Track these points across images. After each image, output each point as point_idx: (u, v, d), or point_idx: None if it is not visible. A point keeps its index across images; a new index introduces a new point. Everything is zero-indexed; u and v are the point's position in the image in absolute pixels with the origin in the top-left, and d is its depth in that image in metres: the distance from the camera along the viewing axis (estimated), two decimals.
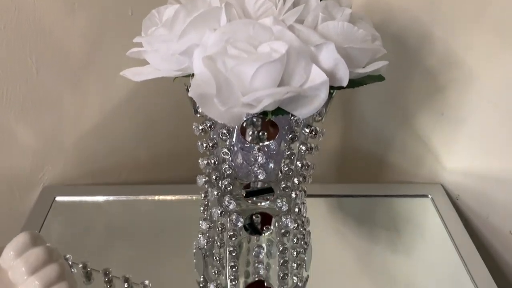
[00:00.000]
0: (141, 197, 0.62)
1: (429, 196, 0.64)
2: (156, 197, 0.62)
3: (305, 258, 0.49)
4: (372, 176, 0.72)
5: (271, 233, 0.46)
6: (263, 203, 0.43)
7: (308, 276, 0.53)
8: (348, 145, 0.73)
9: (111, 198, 0.61)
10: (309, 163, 0.45)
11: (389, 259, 0.57)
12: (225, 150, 0.39)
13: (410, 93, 0.63)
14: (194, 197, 0.61)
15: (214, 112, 0.30)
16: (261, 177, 0.39)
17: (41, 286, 0.37)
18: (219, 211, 0.43)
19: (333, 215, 0.62)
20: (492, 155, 0.59)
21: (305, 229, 0.47)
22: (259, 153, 0.38)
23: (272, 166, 0.41)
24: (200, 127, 0.40)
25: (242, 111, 0.30)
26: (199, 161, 0.45)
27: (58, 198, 0.61)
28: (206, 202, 0.48)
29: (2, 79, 0.53)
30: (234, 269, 0.46)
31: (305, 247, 0.49)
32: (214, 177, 0.42)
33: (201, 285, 0.51)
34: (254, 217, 0.45)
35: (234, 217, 0.42)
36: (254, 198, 0.43)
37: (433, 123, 0.63)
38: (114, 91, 0.61)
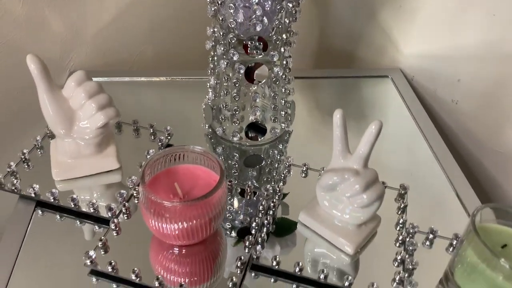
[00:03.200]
0: (154, 78, 0.74)
1: (389, 76, 0.78)
2: (166, 78, 0.75)
3: (290, 113, 0.63)
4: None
5: (264, 82, 0.59)
6: (259, 56, 0.56)
7: (292, 130, 0.67)
8: (324, 43, 0.86)
9: (132, 79, 0.73)
10: (294, 30, 0.57)
11: (359, 127, 0.70)
12: (231, 4, 0.51)
13: None
14: (201, 77, 0.74)
15: None
16: (258, 28, 0.52)
17: (96, 108, 0.50)
18: (225, 63, 0.56)
19: (310, 93, 0.76)
20: (440, 37, 0.73)
21: (289, 83, 0.60)
22: (258, 6, 0.50)
23: (267, 22, 0.53)
24: None
25: None
26: (207, 28, 0.57)
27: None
28: (212, 66, 0.60)
29: None
30: (237, 112, 0.59)
31: (290, 102, 0.62)
32: (221, 33, 0.54)
33: (209, 136, 0.65)
34: (249, 65, 0.57)
35: (237, 65, 0.56)
36: (254, 52, 0.56)
37: (393, 16, 0.76)
38: None
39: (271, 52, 0.55)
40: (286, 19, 0.54)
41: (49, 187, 0.53)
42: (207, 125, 0.65)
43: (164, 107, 0.70)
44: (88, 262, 0.45)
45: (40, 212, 0.53)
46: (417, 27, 0.74)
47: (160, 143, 0.60)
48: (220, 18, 0.53)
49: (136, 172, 0.56)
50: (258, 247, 0.47)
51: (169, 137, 0.61)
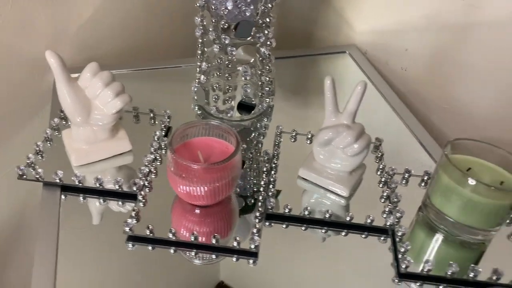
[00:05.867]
0: (131, 70, 0.79)
1: (347, 52, 0.88)
2: (143, 68, 0.80)
3: (274, 89, 0.72)
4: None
5: (253, 61, 0.67)
6: (248, 38, 0.64)
7: (273, 105, 0.75)
8: (283, 26, 0.94)
9: (120, 71, 0.78)
10: (271, 14, 0.65)
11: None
12: None
13: None
14: (183, 65, 0.80)
15: None
16: (248, 13, 0.60)
17: (113, 95, 0.56)
18: (218, 47, 0.63)
19: (278, 72, 0.85)
20: (387, 13, 0.84)
21: (271, 62, 0.69)
22: None
23: (252, 8, 0.61)
24: None
25: None
26: (195, 18, 0.64)
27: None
28: (200, 52, 0.67)
29: None
30: (229, 91, 0.67)
31: (272, 79, 0.71)
32: (213, 20, 0.61)
33: (201, 116, 0.71)
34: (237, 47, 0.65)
35: (229, 48, 0.63)
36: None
37: None
38: None
39: (257, 34, 0.63)
40: (269, 4, 0.62)
41: (67, 173, 0.58)
42: (197, 107, 0.72)
43: (147, 95, 0.76)
44: (127, 229, 0.51)
45: (63, 197, 0.57)
46: (366, 6, 0.85)
47: (163, 125, 0.65)
48: (213, 7, 0.60)
49: (144, 153, 0.61)
50: (272, 199, 0.55)
51: (168, 119, 0.67)
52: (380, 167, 0.62)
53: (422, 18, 0.80)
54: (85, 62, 0.81)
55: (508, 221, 0.56)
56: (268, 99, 0.71)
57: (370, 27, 0.87)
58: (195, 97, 0.71)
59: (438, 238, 0.55)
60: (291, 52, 0.89)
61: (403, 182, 0.61)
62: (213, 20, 0.61)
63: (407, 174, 0.61)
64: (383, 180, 0.60)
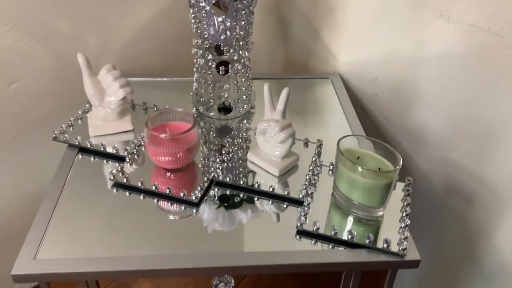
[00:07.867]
0: (159, 79, 1.04)
1: (329, 78, 1.06)
2: (167, 79, 1.04)
3: (251, 99, 0.92)
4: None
5: (229, 75, 0.88)
6: (225, 56, 0.85)
7: (254, 112, 0.95)
8: (288, 55, 1.15)
9: (143, 79, 1.03)
10: (250, 40, 0.87)
11: (301, 115, 0.98)
12: (204, 22, 0.80)
13: (317, 12, 1.05)
14: (186, 79, 1.04)
15: None
16: (222, 37, 0.81)
17: (119, 86, 0.79)
18: (203, 61, 0.85)
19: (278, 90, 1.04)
20: (361, 48, 1.01)
21: (249, 76, 0.89)
22: (221, 23, 0.80)
23: (229, 34, 0.82)
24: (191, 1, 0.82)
25: None
26: (192, 40, 0.87)
27: None
28: (196, 66, 0.89)
29: None
30: (211, 95, 0.88)
31: (250, 90, 0.91)
32: (199, 41, 0.84)
33: (195, 115, 0.93)
34: (219, 67, 0.86)
35: (210, 62, 0.85)
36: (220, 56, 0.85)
37: (332, 35, 1.05)
38: (140, 17, 1.02)
39: (232, 54, 0.84)
40: (241, 32, 0.83)
41: (87, 140, 0.82)
42: (194, 108, 0.94)
43: (165, 98, 0.99)
44: (111, 177, 0.73)
45: (81, 156, 0.81)
46: (345, 40, 1.03)
47: None
48: (199, 31, 0.83)
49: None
50: (218, 170, 0.74)
51: None
52: (313, 160, 0.79)
53: (385, 52, 0.96)
54: (125, 72, 1.08)
55: (405, 202, 0.70)
56: (245, 105, 0.91)
57: (350, 59, 1.05)
58: (191, 100, 0.93)
59: (342, 214, 0.70)
60: (289, 75, 1.09)
61: (330, 172, 0.77)
62: (199, 42, 0.84)
63: (331, 166, 0.77)
64: (311, 168, 0.77)
